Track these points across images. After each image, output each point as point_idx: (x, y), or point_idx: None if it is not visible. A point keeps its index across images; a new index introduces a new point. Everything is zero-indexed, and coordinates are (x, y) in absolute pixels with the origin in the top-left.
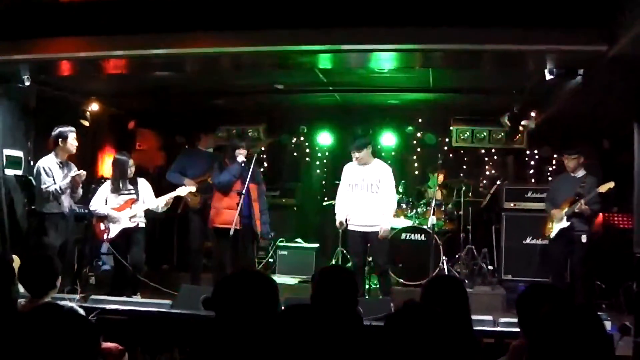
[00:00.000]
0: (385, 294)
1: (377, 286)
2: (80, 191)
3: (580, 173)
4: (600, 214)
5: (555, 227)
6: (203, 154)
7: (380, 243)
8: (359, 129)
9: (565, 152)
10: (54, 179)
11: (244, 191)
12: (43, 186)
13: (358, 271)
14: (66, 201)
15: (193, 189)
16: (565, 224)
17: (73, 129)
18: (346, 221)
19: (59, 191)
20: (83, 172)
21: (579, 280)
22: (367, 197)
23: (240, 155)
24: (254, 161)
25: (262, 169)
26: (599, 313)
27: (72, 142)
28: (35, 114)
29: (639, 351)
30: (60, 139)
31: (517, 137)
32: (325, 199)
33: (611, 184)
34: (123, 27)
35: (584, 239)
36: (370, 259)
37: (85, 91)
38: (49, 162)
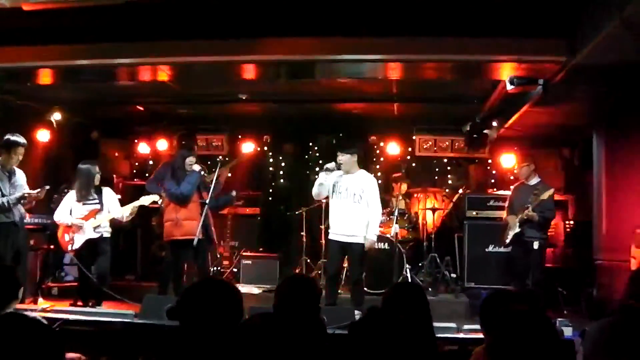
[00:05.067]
0: (357, 305)
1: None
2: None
3: (534, 181)
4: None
5: (509, 234)
6: None
7: (359, 253)
8: (323, 138)
9: (519, 161)
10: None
11: (207, 200)
12: None
13: (332, 280)
14: (16, 210)
15: (156, 197)
16: (517, 229)
17: (24, 142)
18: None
19: (6, 205)
20: (40, 193)
21: (537, 286)
22: (350, 207)
23: (195, 165)
24: (217, 170)
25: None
26: (561, 319)
27: (18, 157)
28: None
29: None
30: (10, 148)
31: (479, 145)
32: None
33: (551, 191)
34: (85, 36)
35: (535, 245)
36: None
37: (48, 100)
38: None
